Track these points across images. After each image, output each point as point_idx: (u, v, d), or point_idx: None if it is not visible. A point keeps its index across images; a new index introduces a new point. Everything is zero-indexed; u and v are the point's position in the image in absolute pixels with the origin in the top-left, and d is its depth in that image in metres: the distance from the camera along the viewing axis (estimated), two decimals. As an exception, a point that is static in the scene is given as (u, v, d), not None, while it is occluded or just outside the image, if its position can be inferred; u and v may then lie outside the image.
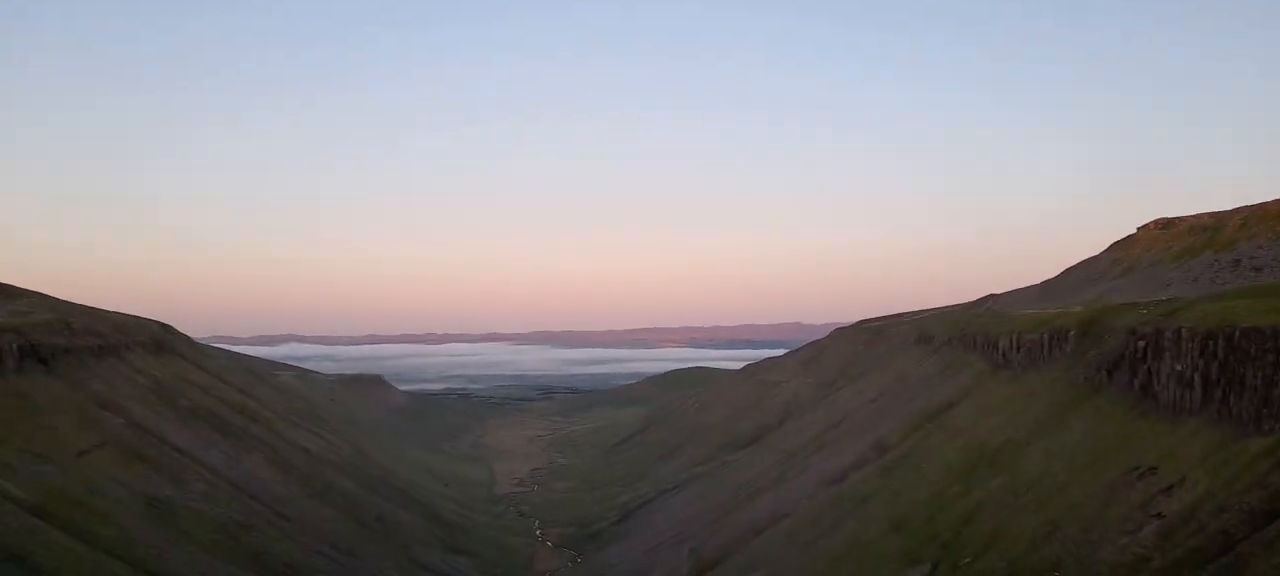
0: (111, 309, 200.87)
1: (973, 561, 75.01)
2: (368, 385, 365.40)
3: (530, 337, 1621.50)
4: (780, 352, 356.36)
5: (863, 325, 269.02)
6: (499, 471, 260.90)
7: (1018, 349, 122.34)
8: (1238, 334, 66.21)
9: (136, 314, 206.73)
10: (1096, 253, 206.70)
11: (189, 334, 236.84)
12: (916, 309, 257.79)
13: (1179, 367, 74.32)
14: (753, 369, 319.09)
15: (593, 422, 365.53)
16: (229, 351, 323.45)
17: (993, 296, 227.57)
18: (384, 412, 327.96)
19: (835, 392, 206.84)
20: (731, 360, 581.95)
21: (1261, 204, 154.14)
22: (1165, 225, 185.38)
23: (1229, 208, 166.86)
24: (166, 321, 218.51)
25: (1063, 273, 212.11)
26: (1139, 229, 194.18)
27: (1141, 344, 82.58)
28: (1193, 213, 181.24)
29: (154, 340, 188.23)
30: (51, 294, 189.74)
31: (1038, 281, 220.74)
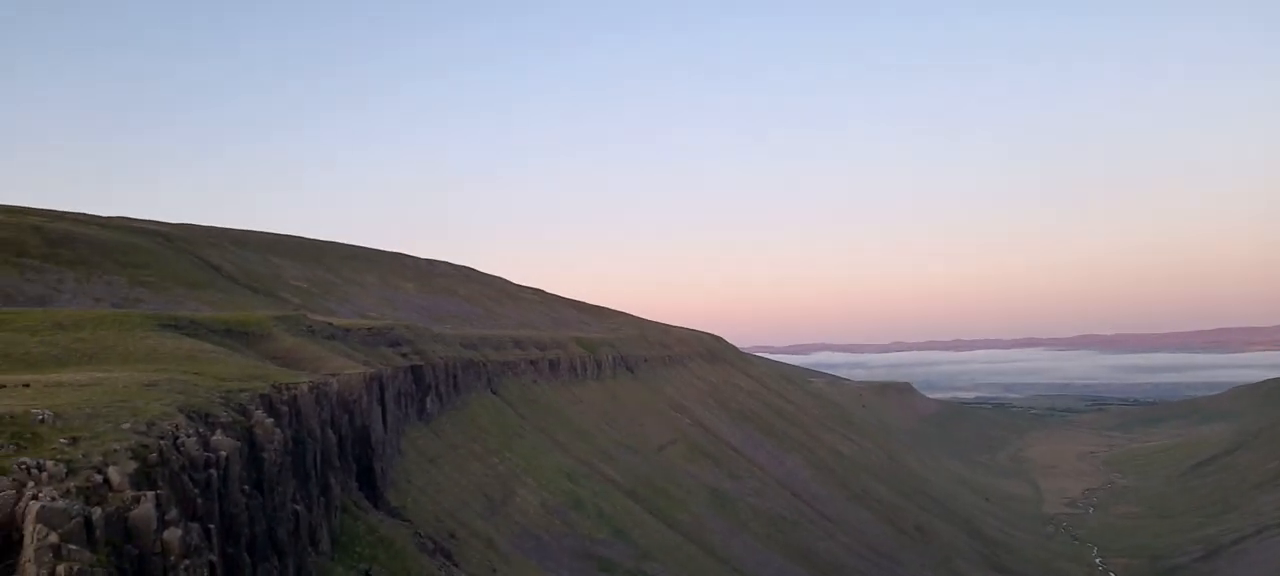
0: (676, 324, 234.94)
1: None
2: (896, 392, 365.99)
3: (1074, 342, 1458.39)
4: None
5: None
6: (1045, 489, 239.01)
7: None
8: None
9: (695, 327, 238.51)
10: None
11: (735, 344, 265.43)
12: None
13: None
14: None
15: (1160, 440, 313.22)
16: (768, 359, 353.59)
17: None
18: (914, 420, 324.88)
19: None
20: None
21: None
22: None
23: None
24: (717, 333, 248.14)
25: None
26: None
27: None
28: None
29: (708, 350, 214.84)
30: (633, 313, 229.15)
31: None
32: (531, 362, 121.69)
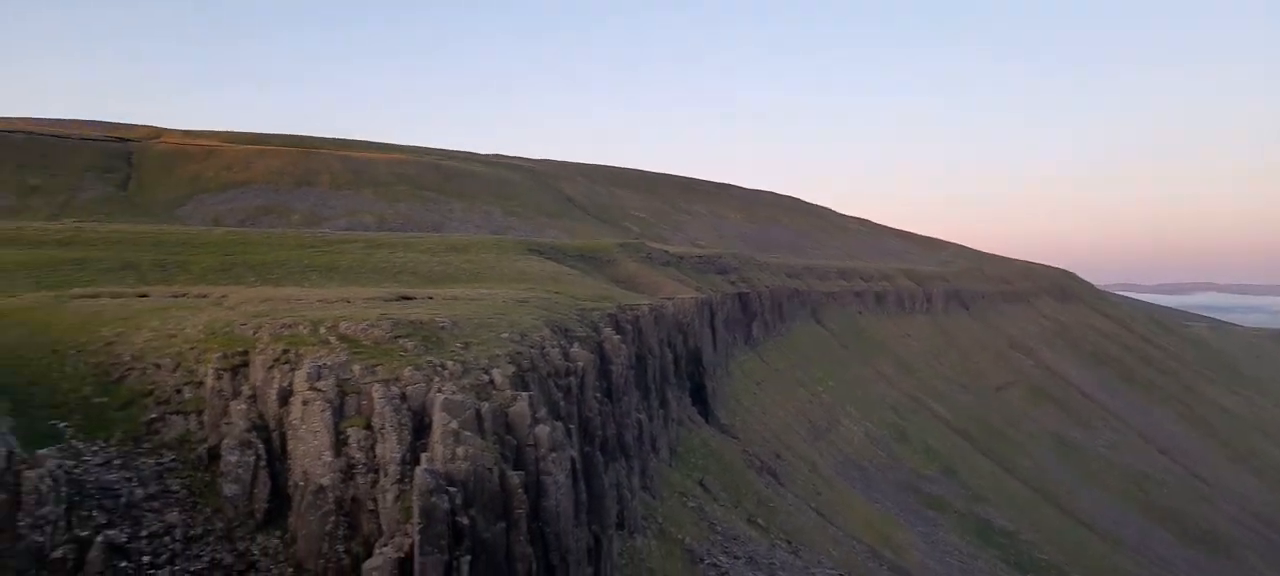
0: (1016, 257, 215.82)
1: None
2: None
3: None
4: None
5: None
6: None
7: None
8: None
9: (1039, 261, 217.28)
10: None
11: (1090, 281, 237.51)
12: None
13: None
14: None
15: None
16: (1132, 299, 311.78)
17: None
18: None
19: None
20: None
21: None
22: None
23: None
24: (1067, 268, 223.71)
25: None
26: None
27: None
28: None
29: (1057, 287, 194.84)
30: (967, 245, 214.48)
31: None
32: (856, 294, 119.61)
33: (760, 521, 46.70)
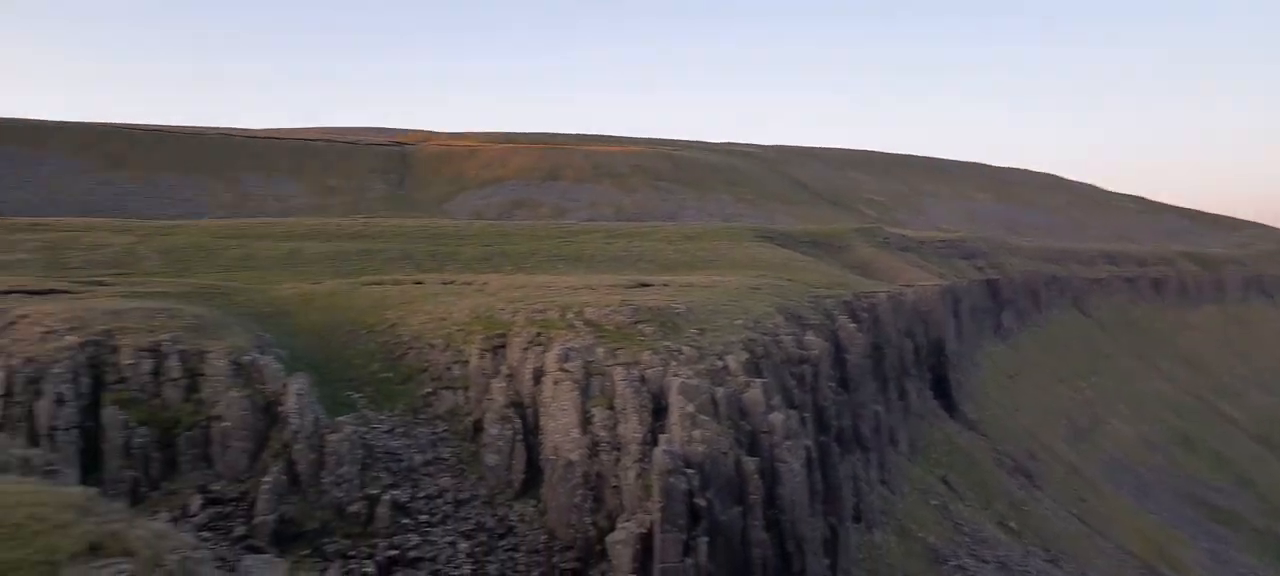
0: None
1: None
2: None
3: None
4: None
5: None
6: None
7: None
8: None
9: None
10: None
11: None
12: None
13: None
14: None
15: None
16: None
17: None
18: None
19: None
20: None
21: None
22: None
23: None
24: None
25: None
26: None
27: None
28: None
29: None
30: (1270, 224, 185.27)
31: None
32: (1128, 280, 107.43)
33: (1012, 525, 43.58)
